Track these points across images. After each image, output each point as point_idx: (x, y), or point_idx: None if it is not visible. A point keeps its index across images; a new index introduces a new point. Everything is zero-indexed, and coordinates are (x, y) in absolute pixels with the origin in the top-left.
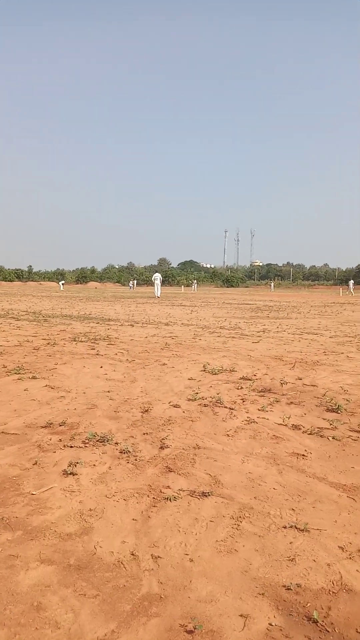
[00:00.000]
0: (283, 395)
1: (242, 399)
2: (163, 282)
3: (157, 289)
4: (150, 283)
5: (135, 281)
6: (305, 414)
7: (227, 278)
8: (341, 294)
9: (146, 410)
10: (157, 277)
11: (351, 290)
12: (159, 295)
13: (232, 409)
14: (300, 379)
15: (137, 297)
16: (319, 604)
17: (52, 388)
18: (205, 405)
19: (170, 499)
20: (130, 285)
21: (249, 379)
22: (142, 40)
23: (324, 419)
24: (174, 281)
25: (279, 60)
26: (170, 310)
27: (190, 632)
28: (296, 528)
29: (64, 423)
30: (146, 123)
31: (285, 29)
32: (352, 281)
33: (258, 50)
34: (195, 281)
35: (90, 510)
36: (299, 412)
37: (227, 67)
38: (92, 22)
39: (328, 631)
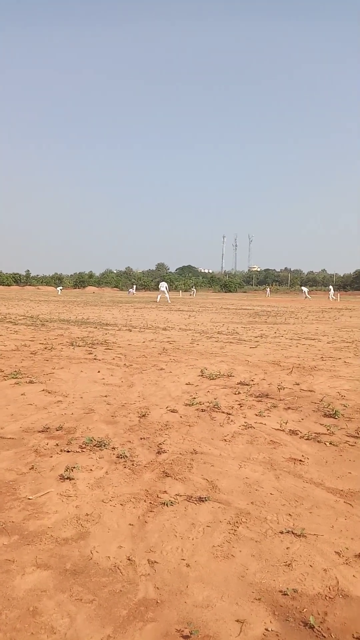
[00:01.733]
0: (280, 400)
1: (239, 404)
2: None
3: (165, 295)
4: (149, 288)
5: (135, 286)
6: (302, 419)
7: (225, 283)
8: (338, 300)
9: (143, 415)
10: (163, 285)
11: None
12: (165, 301)
13: (230, 414)
14: (298, 384)
15: (135, 302)
16: (315, 610)
17: (49, 392)
18: (202, 410)
19: (167, 504)
20: (130, 291)
21: (247, 384)
22: (141, 44)
23: (321, 425)
24: (172, 286)
25: (277, 67)
26: (168, 315)
27: (186, 637)
28: (293, 533)
29: (61, 428)
30: (143, 128)
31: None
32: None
33: (257, 56)
34: (194, 288)
35: (87, 515)
36: (297, 418)
37: (226, 72)
38: (90, 25)
39: (324, 637)
